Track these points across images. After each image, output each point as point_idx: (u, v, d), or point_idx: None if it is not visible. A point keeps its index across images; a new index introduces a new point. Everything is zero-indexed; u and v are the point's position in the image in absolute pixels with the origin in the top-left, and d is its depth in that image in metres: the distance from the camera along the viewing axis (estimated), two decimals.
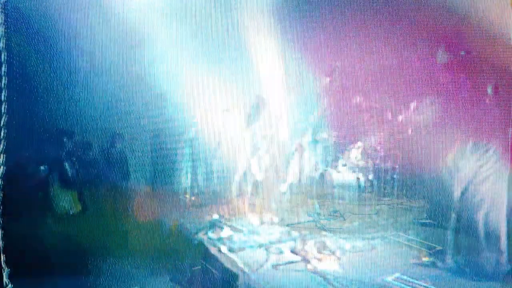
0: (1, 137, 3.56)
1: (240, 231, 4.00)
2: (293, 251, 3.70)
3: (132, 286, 3.68)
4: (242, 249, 3.72)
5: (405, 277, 3.38)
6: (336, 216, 4.10)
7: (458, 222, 3.60)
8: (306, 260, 3.51)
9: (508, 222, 3.47)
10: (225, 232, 3.93)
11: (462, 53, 3.54)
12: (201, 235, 3.91)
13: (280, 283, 3.31)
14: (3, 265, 3.49)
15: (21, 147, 3.67)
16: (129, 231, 3.80)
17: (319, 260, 3.56)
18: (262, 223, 4.07)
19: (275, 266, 3.48)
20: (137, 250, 3.77)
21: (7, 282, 3.49)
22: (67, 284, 3.65)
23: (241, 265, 3.42)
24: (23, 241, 3.58)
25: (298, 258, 3.58)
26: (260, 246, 3.81)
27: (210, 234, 3.90)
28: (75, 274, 3.68)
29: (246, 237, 3.92)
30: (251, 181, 4.10)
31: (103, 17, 3.71)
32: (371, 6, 3.67)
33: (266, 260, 3.54)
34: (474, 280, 3.43)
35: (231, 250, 3.69)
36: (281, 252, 3.71)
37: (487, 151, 3.50)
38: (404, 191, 3.84)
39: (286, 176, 4.09)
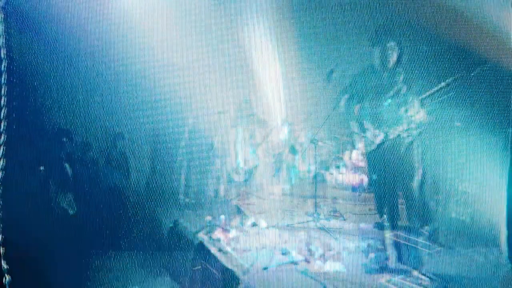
0: (1, 141, 3.59)
1: (239, 232, 4.01)
2: (292, 252, 3.70)
3: (132, 285, 3.69)
4: (242, 250, 3.73)
5: (403, 277, 3.38)
6: (336, 216, 4.10)
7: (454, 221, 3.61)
8: (305, 261, 3.52)
9: (508, 222, 3.46)
10: (224, 233, 3.94)
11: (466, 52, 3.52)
12: (200, 235, 3.92)
13: (276, 284, 3.31)
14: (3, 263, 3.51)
15: (21, 148, 3.70)
16: (129, 230, 3.81)
17: (318, 260, 3.56)
18: (261, 224, 4.08)
19: (274, 267, 3.48)
20: (137, 250, 3.79)
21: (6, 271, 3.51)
22: (67, 284, 3.67)
23: (240, 265, 3.43)
24: (22, 241, 3.60)
25: (297, 258, 3.59)
26: (260, 247, 3.81)
27: (209, 235, 3.91)
28: (74, 274, 3.70)
29: (245, 238, 3.93)
30: (250, 181, 4.11)
31: (104, 18, 3.72)
32: (371, 7, 3.66)
33: (266, 261, 3.54)
34: (473, 279, 3.42)
35: (227, 251, 3.69)
36: (280, 253, 3.71)
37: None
38: (403, 190, 3.83)
39: (286, 176, 4.10)
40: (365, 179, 4.14)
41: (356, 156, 4.19)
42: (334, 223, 4.08)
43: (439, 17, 3.50)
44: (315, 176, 4.12)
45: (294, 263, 3.62)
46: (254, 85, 3.85)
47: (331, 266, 3.56)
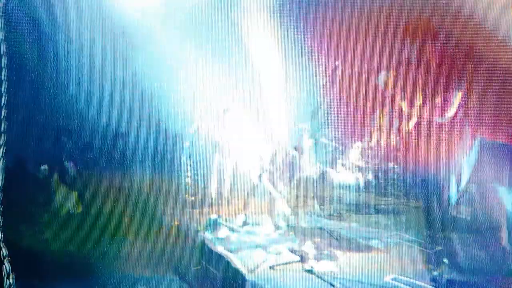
0: (2, 142, 3.58)
1: (238, 231, 4.01)
2: (291, 251, 3.70)
3: (139, 285, 3.69)
4: (240, 249, 3.72)
5: (403, 277, 3.37)
6: (336, 216, 4.10)
7: (454, 220, 3.59)
8: (304, 260, 3.51)
9: (509, 220, 3.46)
10: (224, 232, 3.93)
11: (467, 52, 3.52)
12: (201, 235, 3.91)
13: (278, 283, 3.31)
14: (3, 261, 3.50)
15: (21, 147, 3.69)
16: (130, 230, 3.81)
17: (317, 260, 3.55)
18: (260, 223, 4.07)
19: (273, 266, 3.47)
20: (138, 250, 3.78)
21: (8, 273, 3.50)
22: (70, 284, 3.66)
23: (239, 265, 3.42)
24: (24, 241, 3.60)
25: (296, 258, 3.58)
26: (258, 246, 3.81)
27: (210, 234, 3.90)
28: (76, 274, 3.69)
29: (244, 237, 3.93)
30: (250, 181, 4.10)
31: (103, 18, 3.72)
32: (373, 5, 3.66)
33: (264, 260, 3.53)
34: (477, 278, 3.41)
35: (229, 250, 3.69)
36: (279, 253, 3.71)
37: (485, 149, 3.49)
38: (403, 191, 3.83)
39: (286, 176, 4.09)
40: (366, 179, 4.14)
41: (356, 156, 4.19)
42: (335, 222, 4.08)
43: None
44: (316, 176, 4.12)
45: (292, 263, 3.61)
46: (256, 84, 3.85)
47: (328, 266, 3.55)
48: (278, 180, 4.11)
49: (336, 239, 3.81)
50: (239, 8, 3.76)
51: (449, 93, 3.54)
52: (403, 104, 3.72)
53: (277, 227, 4.04)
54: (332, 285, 3.23)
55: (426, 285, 3.34)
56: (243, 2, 3.75)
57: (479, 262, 3.48)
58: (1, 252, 3.47)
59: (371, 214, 4.00)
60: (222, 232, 3.95)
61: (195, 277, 3.70)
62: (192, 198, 4.16)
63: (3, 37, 3.58)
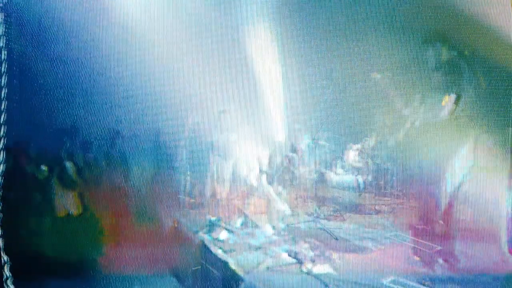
0: (1, 135, 3.59)
1: (236, 232, 4.00)
2: (289, 253, 3.69)
3: (138, 286, 3.69)
4: (238, 250, 3.73)
5: (402, 279, 3.36)
6: (335, 216, 4.09)
7: (453, 221, 3.59)
8: (302, 262, 3.51)
9: (508, 221, 3.46)
10: (222, 234, 3.93)
11: (466, 52, 3.52)
12: (200, 235, 3.91)
13: (275, 285, 3.30)
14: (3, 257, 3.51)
15: (21, 147, 3.70)
16: (129, 231, 3.81)
17: (315, 262, 3.55)
18: (259, 224, 4.07)
19: (270, 268, 3.47)
20: (137, 251, 3.78)
21: (8, 275, 3.51)
22: (68, 285, 3.67)
23: (236, 266, 3.42)
24: (23, 242, 3.60)
25: (294, 260, 3.58)
26: (257, 247, 3.81)
27: (208, 235, 3.90)
28: (75, 274, 3.69)
29: (242, 239, 3.92)
30: (248, 182, 4.10)
31: (103, 17, 3.72)
32: (372, 6, 3.67)
33: (262, 262, 3.53)
34: (474, 279, 3.41)
35: (227, 251, 3.69)
36: (277, 254, 3.70)
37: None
38: (403, 191, 3.82)
39: (284, 178, 4.08)
40: (365, 179, 4.13)
41: (355, 156, 4.18)
42: (334, 223, 4.07)
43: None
44: (315, 176, 4.11)
45: (290, 264, 3.61)
46: (254, 85, 3.85)
47: (327, 268, 3.55)
48: (276, 182, 4.10)
49: (336, 239, 3.81)
50: (238, 8, 3.76)
51: (449, 93, 3.54)
52: (402, 105, 3.73)
53: (276, 229, 4.03)
54: (329, 287, 3.24)
55: (425, 287, 3.34)
56: (242, 2, 3.75)
57: (479, 263, 3.48)
58: (0, 253, 3.47)
59: (370, 214, 4.00)
60: (221, 234, 3.95)
61: (195, 278, 3.70)
62: (191, 199, 4.15)
63: (4, 43, 3.59)
